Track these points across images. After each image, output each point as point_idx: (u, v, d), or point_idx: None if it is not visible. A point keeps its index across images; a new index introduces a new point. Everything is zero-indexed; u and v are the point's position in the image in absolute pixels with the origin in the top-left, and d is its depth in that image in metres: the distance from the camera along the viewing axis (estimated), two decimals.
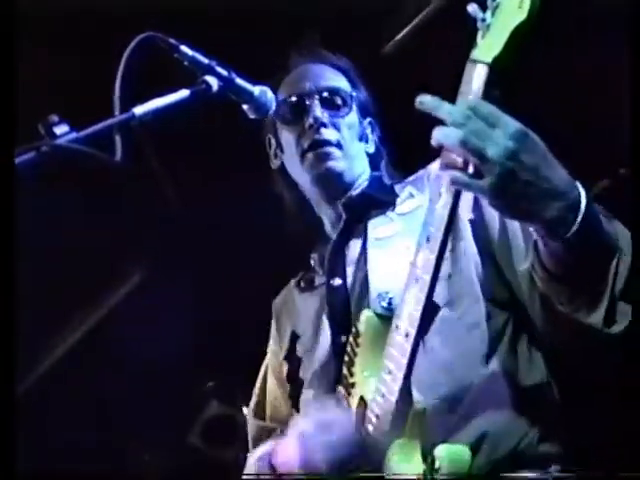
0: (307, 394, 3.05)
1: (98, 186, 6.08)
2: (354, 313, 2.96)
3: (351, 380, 2.74)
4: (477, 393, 2.66)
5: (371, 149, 3.39)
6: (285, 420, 3.18)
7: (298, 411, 3.09)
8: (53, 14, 5.26)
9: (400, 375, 2.43)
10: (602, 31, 5.05)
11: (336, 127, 3.24)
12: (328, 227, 3.37)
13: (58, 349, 6.55)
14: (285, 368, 3.24)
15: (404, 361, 2.42)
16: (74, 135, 2.36)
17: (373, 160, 3.40)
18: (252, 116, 2.98)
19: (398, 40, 5.69)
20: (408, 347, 2.41)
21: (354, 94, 3.34)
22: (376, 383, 2.55)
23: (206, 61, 2.73)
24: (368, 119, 3.43)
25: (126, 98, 2.51)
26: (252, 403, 3.51)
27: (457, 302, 2.76)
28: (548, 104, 5.14)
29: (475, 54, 2.29)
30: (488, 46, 2.26)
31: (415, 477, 2.38)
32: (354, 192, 3.25)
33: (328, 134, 3.20)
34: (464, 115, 2.13)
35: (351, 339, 2.79)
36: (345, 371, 2.78)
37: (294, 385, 3.13)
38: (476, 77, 2.25)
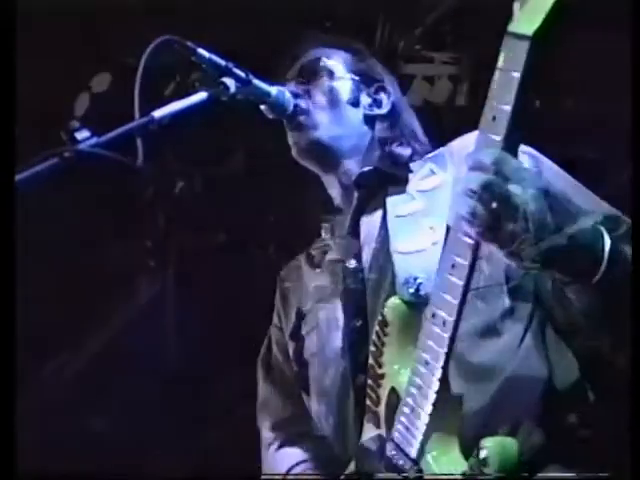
0: (318, 379, 3.01)
1: (119, 190, 6.14)
2: (371, 297, 2.92)
3: (380, 371, 2.69)
4: (509, 382, 2.63)
5: (382, 111, 3.30)
6: (290, 382, 3.21)
7: (307, 393, 3.07)
8: (64, 17, 5.26)
9: (438, 366, 2.37)
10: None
11: (309, 95, 3.20)
12: (337, 200, 3.33)
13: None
14: (291, 347, 3.22)
15: (442, 351, 2.35)
16: (95, 140, 2.37)
17: (378, 123, 3.30)
18: (270, 116, 3.00)
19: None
20: (446, 337, 2.34)
21: (342, 60, 3.28)
22: (409, 375, 2.49)
23: (223, 63, 2.75)
24: (376, 84, 3.34)
25: (145, 101, 2.53)
26: (260, 360, 3.49)
27: (487, 289, 2.68)
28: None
29: (514, 26, 2.15)
30: (528, 18, 2.10)
31: (458, 474, 2.35)
32: (366, 168, 3.20)
33: (302, 103, 3.16)
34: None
35: (377, 328, 2.73)
36: (372, 361, 2.73)
37: (300, 365, 3.11)
38: (517, 52, 2.12)
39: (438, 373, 2.37)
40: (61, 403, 6.37)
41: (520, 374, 2.63)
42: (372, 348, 2.72)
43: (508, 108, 2.19)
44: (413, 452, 2.42)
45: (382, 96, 3.34)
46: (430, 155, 3.22)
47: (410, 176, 3.13)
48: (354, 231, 3.16)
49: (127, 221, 6.55)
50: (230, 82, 2.77)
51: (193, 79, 6.62)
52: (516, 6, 2.13)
